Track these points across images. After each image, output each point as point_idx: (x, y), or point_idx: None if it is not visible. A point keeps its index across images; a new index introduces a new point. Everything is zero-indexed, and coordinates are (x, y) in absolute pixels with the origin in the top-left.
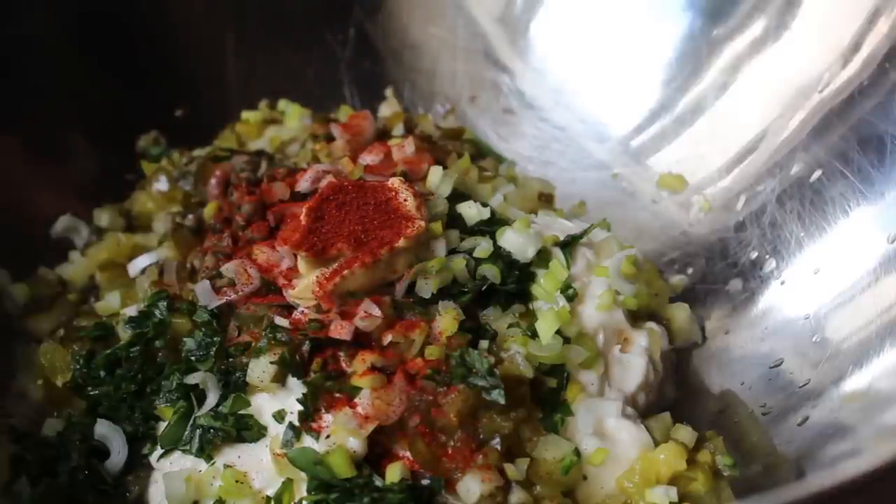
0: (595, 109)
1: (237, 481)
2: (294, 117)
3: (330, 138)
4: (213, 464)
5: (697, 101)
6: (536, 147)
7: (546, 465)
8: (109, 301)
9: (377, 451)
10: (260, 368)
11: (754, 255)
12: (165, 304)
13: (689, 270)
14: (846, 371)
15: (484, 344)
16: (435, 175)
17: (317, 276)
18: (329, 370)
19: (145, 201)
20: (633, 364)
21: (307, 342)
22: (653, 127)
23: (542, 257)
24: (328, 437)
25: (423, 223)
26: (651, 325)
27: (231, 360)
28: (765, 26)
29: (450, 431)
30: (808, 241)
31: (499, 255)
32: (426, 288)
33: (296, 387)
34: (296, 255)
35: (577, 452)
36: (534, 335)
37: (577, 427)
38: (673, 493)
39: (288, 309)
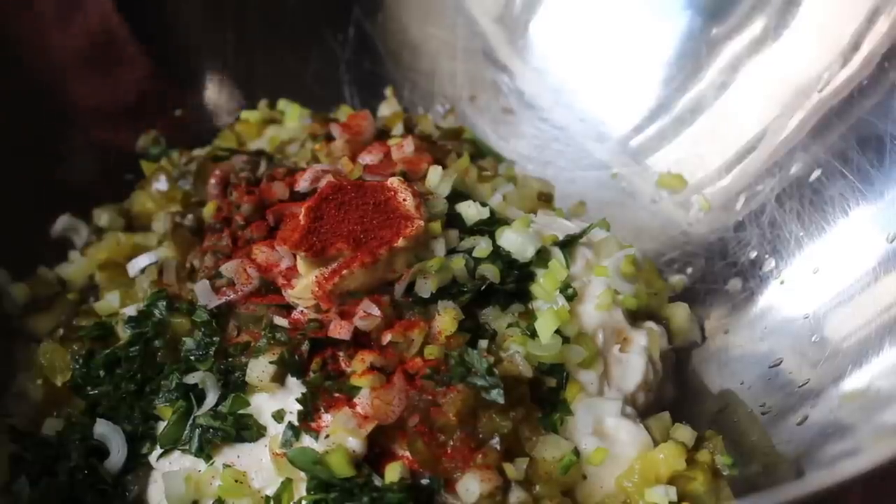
0: (595, 109)
1: (236, 481)
2: (294, 117)
3: (329, 138)
4: (212, 463)
5: (697, 100)
6: (536, 147)
7: (545, 465)
8: (109, 301)
9: (377, 451)
10: (259, 368)
11: (753, 254)
12: (165, 303)
13: (689, 270)
14: (845, 370)
15: (483, 343)
16: (434, 175)
17: (316, 276)
18: (328, 370)
19: (145, 201)
20: (633, 364)
21: (306, 342)
22: (652, 126)
23: (542, 257)
24: (327, 436)
25: (422, 223)
26: (650, 324)
27: (230, 359)
28: (764, 26)
29: (449, 431)
30: (808, 241)
31: (498, 254)
32: (425, 287)
33: (295, 387)
34: (295, 255)
35: (577, 452)
36: (533, 335)
37: (577, 426)
38: (672, 492)
39: (287, 309)
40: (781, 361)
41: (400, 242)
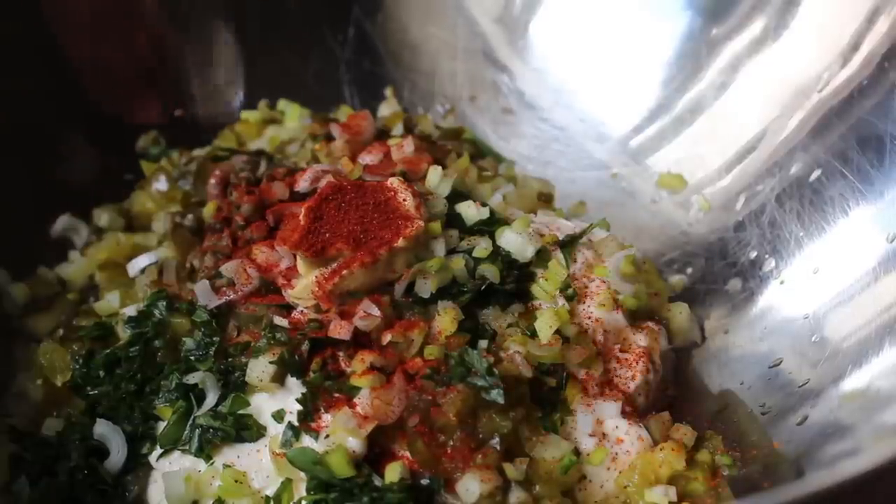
0: (595, 109)
1: (236, 481)
2: (294, 117)
3: (329, 138)
4: (212, 463)
5: (697, 100)
6: (536, 147)
7: (545, 465)
8: (109, 301)
9: (377, 451)
10: (259, 368)
11: (753, 254)
12: (165, 303)
13: (689, 270)
14: (845, 370)
15: (483, 343)
16: (434, 175)
17: (316, 276)
18: (328, 370)
19: (145, 201)
20: (633, 364)
21: (306, 342)
22: (652, 127)
23: (542, 257)
24: (327, 436)
25: (421, 223)
26: (650, 324)
27: (230, 359)
28: (764, 26)
29: (449, 431)
30: (808, 241)
31: (498, 254)
32: (425, 288)
33: (295, 387)
34: (295, 255)
35: (577, 452)
36: (533, 335)
37: (577, 426)
38: (672, 492)
39: (287, 309)
40: (781, 361)
41: (400, 242)
